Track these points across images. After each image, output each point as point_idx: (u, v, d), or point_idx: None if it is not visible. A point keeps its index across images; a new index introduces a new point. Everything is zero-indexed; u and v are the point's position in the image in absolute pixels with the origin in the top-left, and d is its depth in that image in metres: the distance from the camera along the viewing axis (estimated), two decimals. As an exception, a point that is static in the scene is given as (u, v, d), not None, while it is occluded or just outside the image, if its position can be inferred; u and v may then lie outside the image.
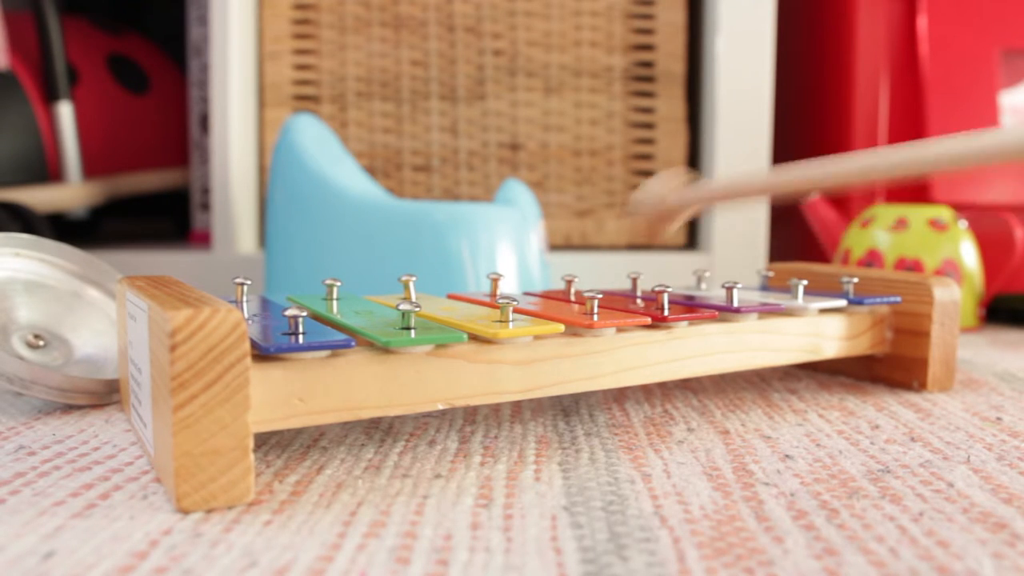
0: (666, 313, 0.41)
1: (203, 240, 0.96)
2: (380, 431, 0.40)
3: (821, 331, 0.47)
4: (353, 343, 0.32)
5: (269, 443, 0.38)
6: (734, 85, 0.81)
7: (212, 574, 0.25)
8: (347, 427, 0.41)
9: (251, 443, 0.29)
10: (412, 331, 0.34)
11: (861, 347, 0.49)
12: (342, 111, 0.86)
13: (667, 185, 0.48)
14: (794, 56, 0.98)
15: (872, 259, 0.74)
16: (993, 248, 0.77)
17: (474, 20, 0.85)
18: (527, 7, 0.85)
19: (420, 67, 0.85)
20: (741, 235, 0.83)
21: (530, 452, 0.37)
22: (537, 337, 0.37)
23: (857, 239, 0.76)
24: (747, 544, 0.27)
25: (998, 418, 0.44)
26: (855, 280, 0.49)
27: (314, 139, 0.66)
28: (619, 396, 0.48)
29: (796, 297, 0.47)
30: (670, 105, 0.86)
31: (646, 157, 0.87)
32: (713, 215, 0.82)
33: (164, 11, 1.17)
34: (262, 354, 0.31)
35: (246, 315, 0.38)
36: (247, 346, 0.29)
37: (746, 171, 0.41)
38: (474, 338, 0.36)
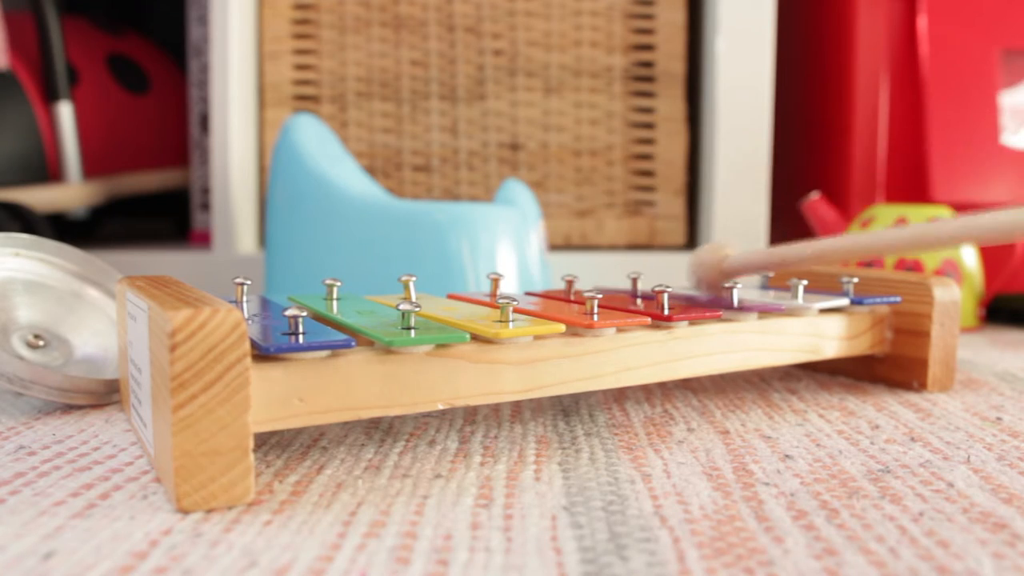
0: (666, 313, 0.41)
1: (203, 240, 0.96)
2: (380, 431, 0.40)
3: (821, 331, 0.47)
4: (353, 343, 0.32)
5: (269, 443, 0.38)
6: (734, 85, 0.81)
7: (212, 574, 0.25)
8: (347, 427, 0.41)
9: (251, 443, 0.29)
10: (413, 331, 0.34)
11: (861, 347, 0.49)
12: (342, 111, 0.86)
13: (716, 255, 0.49)
14: (794, 56, 0.98)
15: (872, 259, 0.74)
16: (993, 248, 0.77)
17: (474, 20, 0.85)
18: (527, 7, 0.85)
19: (420, 67, 0.85)
20: (741, 234, 0.83)
21: (530, 452, 0.37)
22: (537, 337, 0.37)
23: (857, 239, 0.76)
24: (747, 544, 0.27)
25: (998, 418, 0.44)
26: (855, 280, 0.49)
27: (314, 139, 0.66)
28: (619, 396, 0.48)
29: (796, 297, 0.47)
30: (670, 105, 0.86)
31: (646, 157, 0.87)
32: (712, 213, 0.82)
33: (164, 11, 1.17)
34: (262, 354, 0.31)
35: (246, 315, 0.38)
36: (247, 346, 0.29)
37: (795, 243, 0.44)
38: (475, 338, 0.36)
